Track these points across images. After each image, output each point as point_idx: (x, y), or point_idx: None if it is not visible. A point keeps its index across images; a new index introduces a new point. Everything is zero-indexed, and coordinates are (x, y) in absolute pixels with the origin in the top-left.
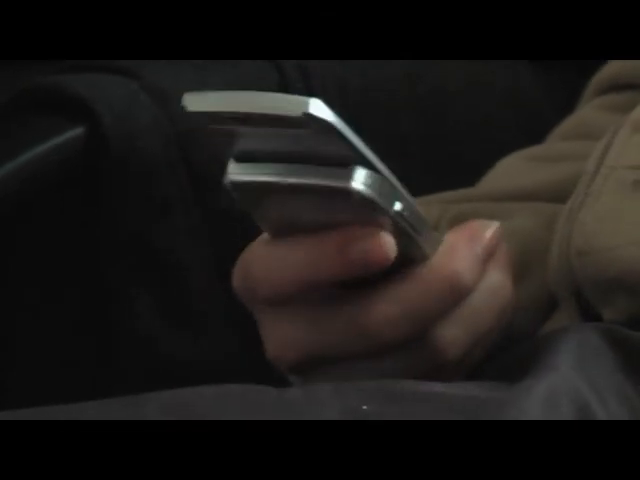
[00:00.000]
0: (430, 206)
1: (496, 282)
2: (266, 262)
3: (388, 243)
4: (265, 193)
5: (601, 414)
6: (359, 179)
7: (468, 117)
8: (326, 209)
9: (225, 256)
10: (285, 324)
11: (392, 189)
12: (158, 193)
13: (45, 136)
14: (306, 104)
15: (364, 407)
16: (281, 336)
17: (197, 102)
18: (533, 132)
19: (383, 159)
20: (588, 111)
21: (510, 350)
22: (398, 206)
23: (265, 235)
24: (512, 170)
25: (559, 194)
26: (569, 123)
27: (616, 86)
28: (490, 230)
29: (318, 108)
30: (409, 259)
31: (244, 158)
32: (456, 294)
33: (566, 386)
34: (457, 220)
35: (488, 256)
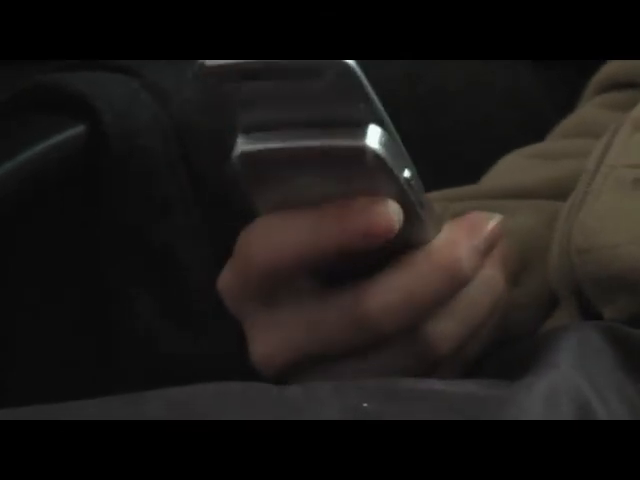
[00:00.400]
0: None
1: (489, 277)
2: (264, 241)
3: (394, 211)
4: (274, 164)
5: (601, 412)
6: (374, 138)
7: (468, 116)
8: (335, 177)
9: (225, 256)
10: (278, 323)
11: (402, 153)
12: (158, 192)
13: (45, 134)
14: (329, 61)
15: (364, 405)
16: (274, 337)
17: (213, 62)
18: (534, 131)
19: None
20: (589, 109)
21: (510, 348)
22: (407, 173)
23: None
24: (513, 168)
25: (560, 192)
26: (570, 121)
27: (616, 84)
28: (491, 223)
29: (341, 64)
30: (409, 243)
31: (251, 130)
32: (456, 283)
33: (566, 384)
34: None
35: (488, 248)
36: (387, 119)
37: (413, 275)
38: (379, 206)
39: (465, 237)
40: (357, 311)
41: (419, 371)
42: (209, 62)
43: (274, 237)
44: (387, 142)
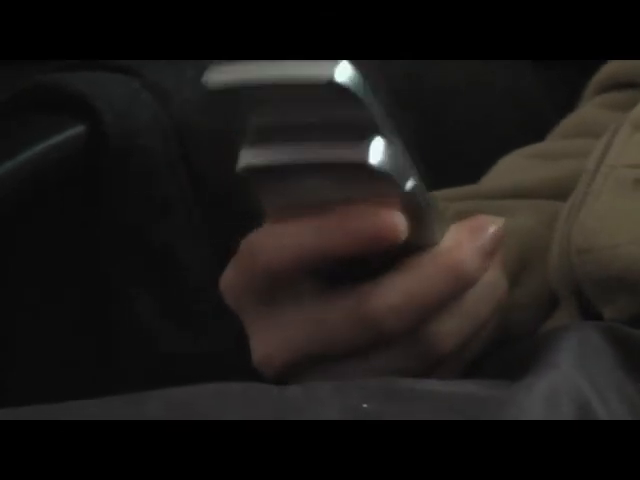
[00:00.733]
0: None
1: (492, 276)
2: (267, 243)
3: (400, 220)
4: (280, 175)
5: (602, 412)
6: (377, 151)
7: (469, 116)
8: (341, 187)
9: (225, 256)
10: (279, 324)
11: (407, 165)
12: (158, 192)
13: (45, 134)
14: (331, 70)
15: (364, 405)
16: (274, 337)
17: (218, 76)
18: (534, 131)
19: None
20: (589, 109)
21: (510, 348)
22: (411, 182)
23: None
24: (513, 168)
25: (560, 192)
26: (570, 121)
27: (617, 84)
28: (495, 225)
29: (343, 73)
30: (414, 245)
31: (256, 141)
32: (461, 284)
33: (567, 384)
34: (459, 218)
35: (492, 250)
36: (391, 128)
37: (417, 277)
38: (385, 214)
39: (469, 239)
40: (361, 311)
41: (420, 370)
42: (213, 81)
43: (278, 239)
44: (391, 154)
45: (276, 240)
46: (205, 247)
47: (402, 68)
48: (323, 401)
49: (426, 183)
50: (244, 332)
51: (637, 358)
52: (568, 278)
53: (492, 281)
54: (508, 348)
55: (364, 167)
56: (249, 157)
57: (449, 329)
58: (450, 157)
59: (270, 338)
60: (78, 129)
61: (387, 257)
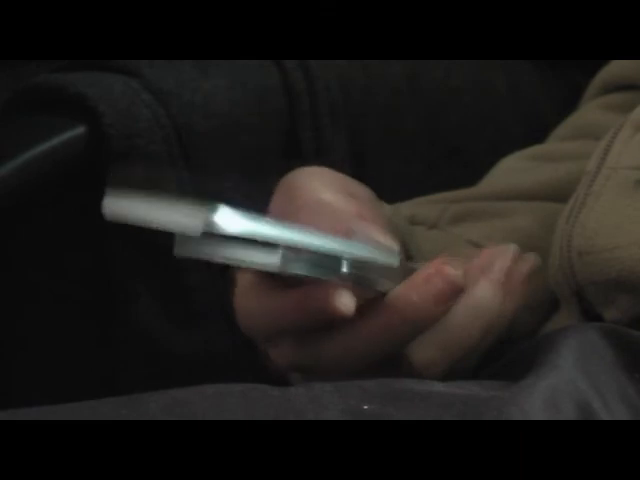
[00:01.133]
0: (430, 205)
1: (482, 299)
2: (242, 308)
3: (346, 298)
4: (216, 263)
5: (602, 413)
6: (289, 261)
7: (469, 116)
8: (274, 274)
9: None
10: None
11: (331, 257)
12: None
13: (46, 135)
14: (206, 219)
15: (365, 407)
16: (270, 350)
17: (114, 208)
18: (534, 131)
19: (384, 158)
20: (589, 111)
21: (511, 349)
22: (342, 269)
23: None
24: (513, 169)
25: (560, 194)
26: (570, 123)
27: (617, 86)
28: (456, 267)
29: (221, 220)
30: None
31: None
32: (405, 333)
33: (567, 385)
34: (456, 219)
35: (445, 293)
36: (302, 237)
37: (364, 331)
38: (331, 296)
39: (417, 287)
40: (313, 361)
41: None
42: (107, 211)
43: (248, 310)
44: (306, 259)
45: (249, 320)
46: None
47: (404, 67)
48: (324, 402)
49: (426, 183)
50: (243, 332)
51: (637, 359)
52: (569, 279)
53: (478, 304)
54: (509, 349)
55: (281, 272)
56: (179, 245)
57: (428, 357)
58: (451, 156)
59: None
60: (78, 130)
61: None
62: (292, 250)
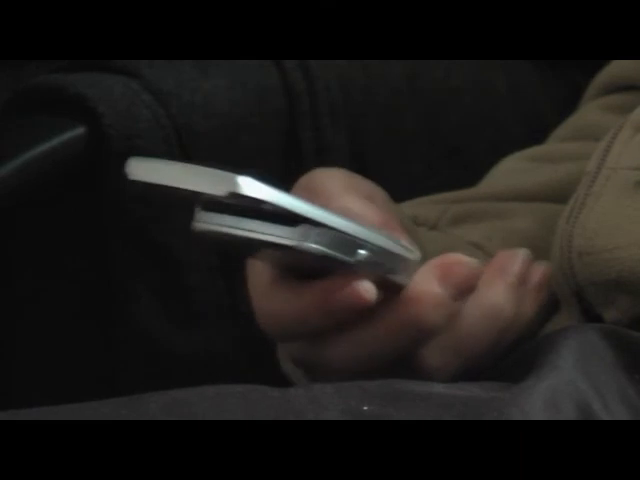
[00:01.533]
0: (431, 206)
1: (496, 302)
2: (258, 307)
3: (366, 289)
4: (233, 240)
5: (602, 414)
6: (310, 238)
7: (468, 116)
8: (293, 257)
9: (227, 252)
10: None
11: (350, 240)
12: None
13: (46, 135)
14: (233, 182)
15: (365, 408)
16: (283, 345)
17: (138, 171)
18: (534, 131)
19: (384, 158)
20: (589, 112)
21: (512, 350)
22: (361, 254)
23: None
24: (513, 170)
25: (560, 194)
26: (570, 124)
27: (618, 87)
28: (464, 266)
29: (247, 186)
30: (386, 289)
31: (211, 206)
32: (419, 335)
33: (567, 386)
34: (457, 220)
35: (461, 292)
36: (322, 215)
37: (377, 331)
38: (353, 286)
39: (433, 286)
40: (324, 361)
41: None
42: (132, 174)
43: (264, 307)
44: (325, 238)
45: (266, 318)
46: (205, 247)
47: (404, 67)
48: (324, 403)
49: (426, 183)
50: (245, 329)
51: (637, 360)
52: (569, 280)
53: (491, 309)
54: (509, 350)
55: (299, 250)
56: (199, 221)
57: (438, 361)
58: (450, 157)
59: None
60: (78, 130)
61: None
62: (311, 227)
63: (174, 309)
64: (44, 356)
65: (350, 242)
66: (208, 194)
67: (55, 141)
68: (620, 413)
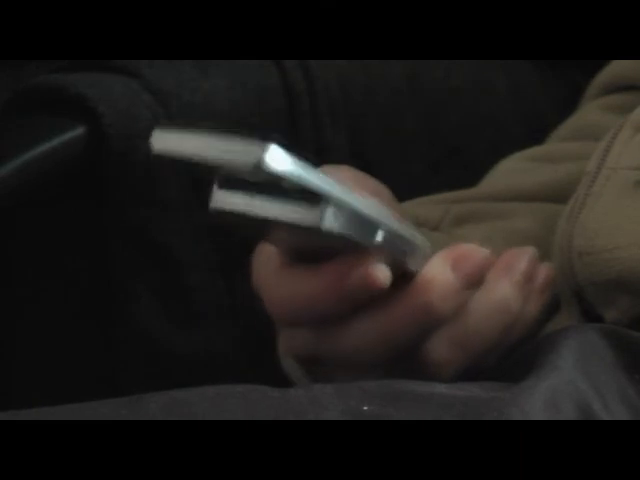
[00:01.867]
0: (432, 206)
1: (502, 298)
2: (269, 291)
3: (380, 271)
4: (247, 221)
5: (602, 414)
6: (329, 217)
7: (468, 116)
8: (310, 238)
9: (227, 252)
10: (290, 330)
11: (369, 222)
12: (159, 193)
13: (46, 135)
14: (260, 154)
15: (365, 408)
16: (287, 337)
17: (161, 142)
18: (534, 131)
19: (384, 158)
20: (589, 112)
21: (512, 350)
22: (378, 237)
23: (271, 248)
24: (513, 170)
25: (560, 195)
26: (570, 124)
27: (618, 87)
28: (478, 256)
29: (274, 158)
30: (399, 276)
31: (228, 184)
32: (430, 322)
33: (567, 386)
34: (459, 220)
35: (472, 282)
36: (345, 193)
37: (388, 315)
38: (366, 268)
39: (446, 274)
40: (341, 342)
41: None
42: (156, 145)
43: (278, 302)
44: (347, 219)
45: (275, 300)
46: (206, 244)
47: (404, 67)
48: (324, 403)
49: (426, 182)
50: (245, 329)
51: (637, 360)
52: (569, 280)
53: (498, 304)
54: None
55: (319, 230)
56: (216, 200)
57: (445, 355)
58: (450, 157)
59: (285, 337)
60: (78, 130)
61: None
62: (332, 207)
63: (174, 309)
64: (44, 356)
65: (370, 225)
66: (231, 167)
67: (55, 141)
68: (620, 413)
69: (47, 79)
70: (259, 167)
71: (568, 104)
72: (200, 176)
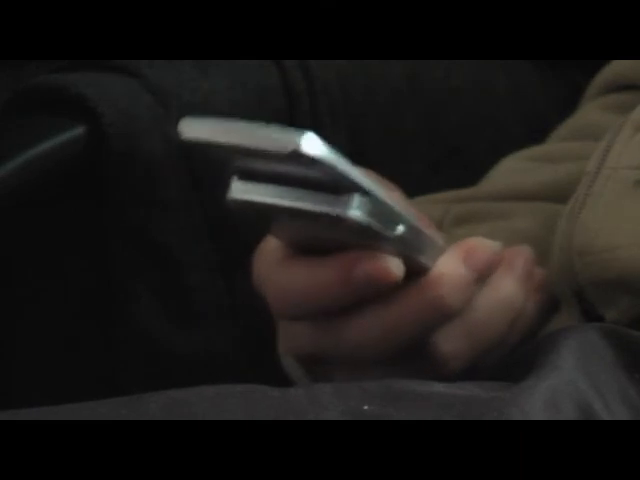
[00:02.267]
0: (433, 205)
1: (507, 294)
2: (275, 282)
3: (394, 265)
4: (267, 212)
5: (603, 414)
6: (356, 207)
7: (468, 116)
8: (327, 231)
9: (227, 252)
10: (290, 327)
11: (392, 214)
12: (159, 192)
13: (46, 135)
14: (297, 140)
15: (365, 407)
16: (287, 335)
17: (192, 129)
18: (534, 131)
19: (384, 158)
20: (590, 111)
21: (512, 350)
22: (399, 229)
23: (275, 243)
24: (513, 170)
25: (560, 194)
26: (570, 123)
27: (618, 86)
28: (488, 250)
29: (309, 145)
30: (411, 271)
31: (247, 175)
32: (441, 316)
33: (568, 386)
34: (459, 220)
35: (483, 276)
36: (371, 184)
37: (397, 309)
38: (379, 261)
39: (458, 268)
40: (345, 337)
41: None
42: (186, 134)
43: (283, 294)
44: (371, 209)
45: (280, 291)
46: (206, 244)
47: (404, 67)
48: (324, 403)
49: (426, 182)
50: (245, 328)
51: (638, 359)
52: (569, 280)
53: (504, 298)
54: (510, 350)
55: (343, 221)
56: (236, 191)
57: (452, 349)
58: (450, 157)
59: (285, 335)
60: (78, 130)
61: None
62: (359, 196)
63: (174, 309)
64: (44, 356)
65: (392, 216)
66: (266, 154)
67: (55, 141)
68: (621, 413)
69: (47, 79)
70: (297, 152)
71: (568, 104)
72: (216, 168)
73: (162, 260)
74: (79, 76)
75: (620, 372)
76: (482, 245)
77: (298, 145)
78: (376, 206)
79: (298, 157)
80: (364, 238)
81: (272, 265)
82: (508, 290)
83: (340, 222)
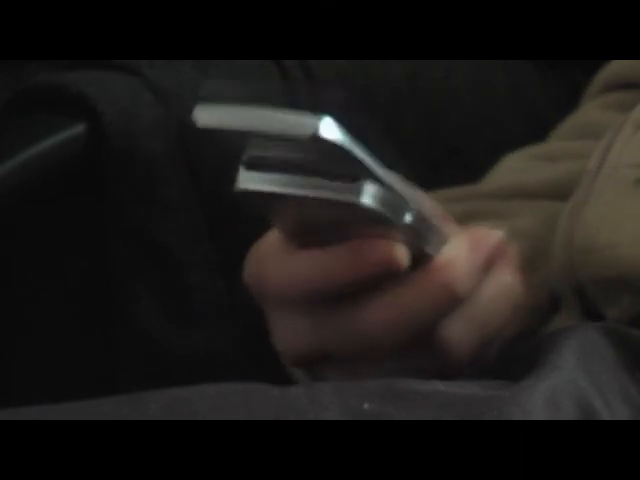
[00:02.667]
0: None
1: (506, 284)
2: (278, 270)
3: (401, 252)
4: (275, 202)
5: (604, 413)
6: (368, 194)
7: (469, 116)
8: (337, 219)
9: (227, 252)
10: (290, 322)
11: (402, 202)
12: (159, 192)
13: (46, 134)
14: (316, 125)
15: (365, 406)
16: (286, 331)
17: (207, 116)
18: (534, 131)
19: (385, 157)
20: (591, 110)
21: (512, 348)
22: (408, 218)
23: (273, 238)
24: (514, 169)
25: (561, 193)
26: (571, 122)
27: (619, 85)
28: (493, 238)
29: (328, 129)
30: (415, 261)
31: (254, 166)
32: (451, 301)
33: (568, 385)
34: (459, 219)
35: (488, 264)
36: (383, 172)
37: (411, 293)
38: (386, 247)
39: (464, 255)
40: (358, 327)
41: (429, 372)
42: (201, 120)
43: (286, 279)
44: (382, 196)
45: (282, 277)
46: (206, 243)
47: (404, 67)
48: (324, 402)
49: (426, 182)
50: (245, 328)
51: (638, 358)
52: (570, 278)
53: (506, 288)
54: (510, 349)
55: (355, 208)
56: (243, 181)
57: (458, 337)
58: (450, 157)
59: (283, 332)
60: (78, 129)
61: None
62: (371, 182)
63: (174, 309)
64: (44, 356)
65: (402, 204)
66: (283, 138)
67: (55, 140)
68: (622, 412)
69: (47, 78)
70: (316, 136)
71: (568, 104)
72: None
73: (162, 260)
74: (79, 75)
75: (621, 371)
76: (488, 233)
77: (317, 129)
78: (386, 194)
79: (316, 141)
80: (372, 225)
81: (272, 256)
82: (507, 277)
83: (352, 209)
